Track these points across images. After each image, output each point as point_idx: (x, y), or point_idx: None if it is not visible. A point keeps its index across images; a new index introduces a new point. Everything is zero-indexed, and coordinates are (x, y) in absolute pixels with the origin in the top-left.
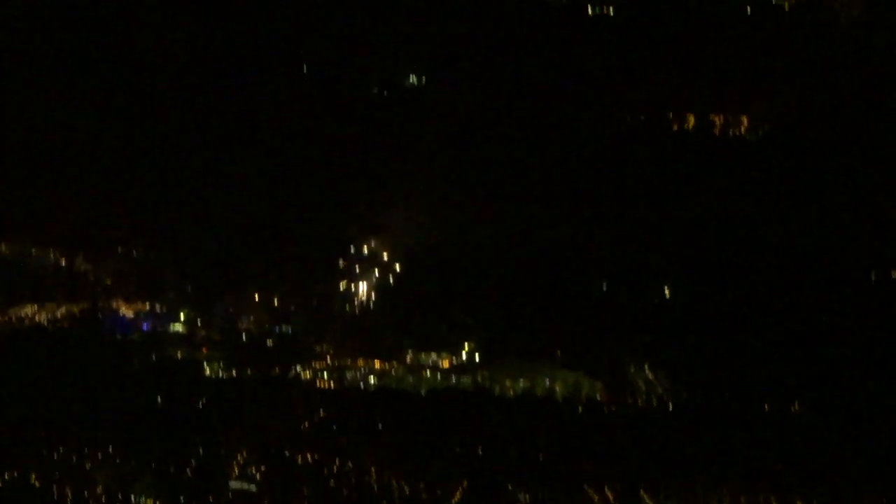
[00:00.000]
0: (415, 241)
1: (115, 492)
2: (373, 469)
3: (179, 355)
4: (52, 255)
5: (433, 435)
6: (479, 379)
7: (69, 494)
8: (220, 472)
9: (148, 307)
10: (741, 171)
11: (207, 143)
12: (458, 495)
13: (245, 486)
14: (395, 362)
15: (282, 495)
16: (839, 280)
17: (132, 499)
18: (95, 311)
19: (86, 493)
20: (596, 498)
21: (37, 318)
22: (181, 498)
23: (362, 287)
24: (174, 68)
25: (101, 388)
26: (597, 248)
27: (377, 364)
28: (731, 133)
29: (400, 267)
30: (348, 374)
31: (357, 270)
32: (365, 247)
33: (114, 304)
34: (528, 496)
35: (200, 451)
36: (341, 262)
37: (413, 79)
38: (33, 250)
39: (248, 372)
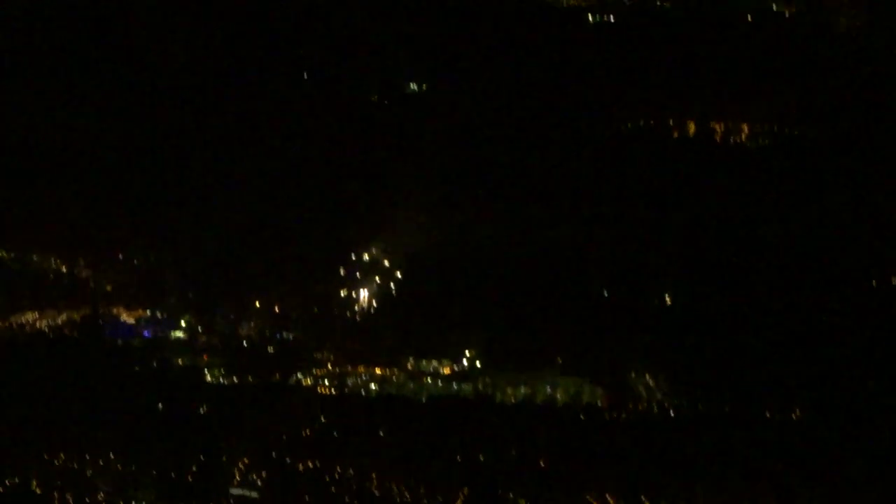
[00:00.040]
0: (416, 248)
1: (115, 498)
2: (374, 475)
3: (181, 361)
4: (53, 262)
5: (434, 441)
6: (480, 386)
7: (70, 500)
8: (222, 478)
9: (149, 313)
10: (742, 176)
11: (209, 150)
12: (459, 501)
13: (246, 492)
14: (395, 369)
15: (283, 501)
16: (840, 284)
17: None
18: (97, 317)
19: (87, 499)
20: None
21: (38, 324)
22: None
23: (363, 294)
24: (177, 76)
25: (102, 395)
26: (598, 255)
27: (378, 371)
28: (731, 139)
29: (401, 274)
30: (349, 381)
31: (358, 277)
32: (366, 254)
33: (115, 311)
34: (528, 502)
35: (202, 457)
36: (342, 270)
37: (414, 85)
38: (35, 257)
39: (250, 378)
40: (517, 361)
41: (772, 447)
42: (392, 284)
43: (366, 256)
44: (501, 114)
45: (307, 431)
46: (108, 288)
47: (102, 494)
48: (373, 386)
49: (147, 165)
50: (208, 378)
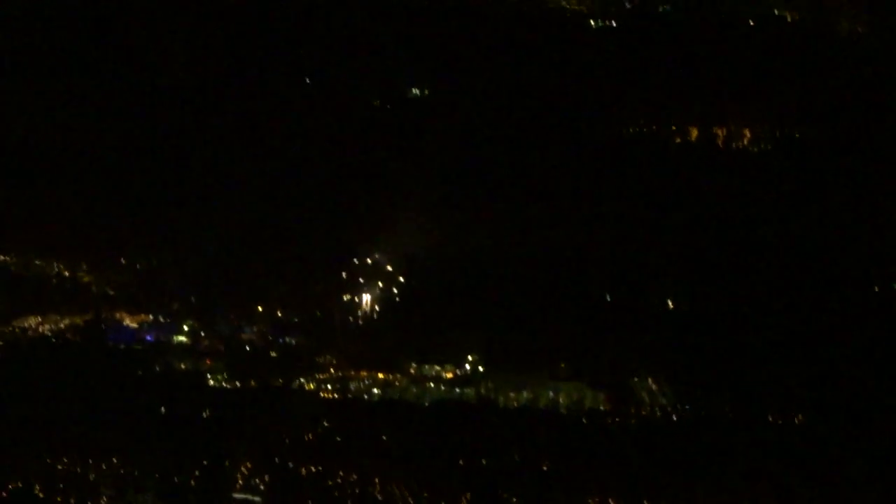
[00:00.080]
0: (418, 252)
1: (118, 502)
2: (376, 479)
3: (183, 366)
4: (55, 266)
5: (437, 446)
6: (483, 390)
7: None
8: (224, 482)
9: (151, 318)
10: (745, 181)
11: (212, 153)
12: None
13: (249, 496)
14: (398, 373)
15: None
16: (844, 288)
17: None
18: (99, 321)
19: (89, 502)
20: None
21: (40, 328)
22: None
23: (365, 298)
24: (179, 79)
25: (104, 399)
26: (600, 259)
27: (380, 375)
28: (734, 144)
29: (403, 278)
30: (352, 385)
31: (360, 282)
32: (368, 258)
33: (117, 315)
34: None
35: (204, 461)
36: (344, 274)
37: (416, 89)
38: (37, 261)
39: (252, 382)
40: (519, 366)
41: (775, 451)
42: (394, 289)
43: (368, 261)
44: (504, 118)
45: (310, 436)
46: (111, 292)
47: (105, 498)
48: (375, 390)
49: (149, 169)
50: (211, 382)
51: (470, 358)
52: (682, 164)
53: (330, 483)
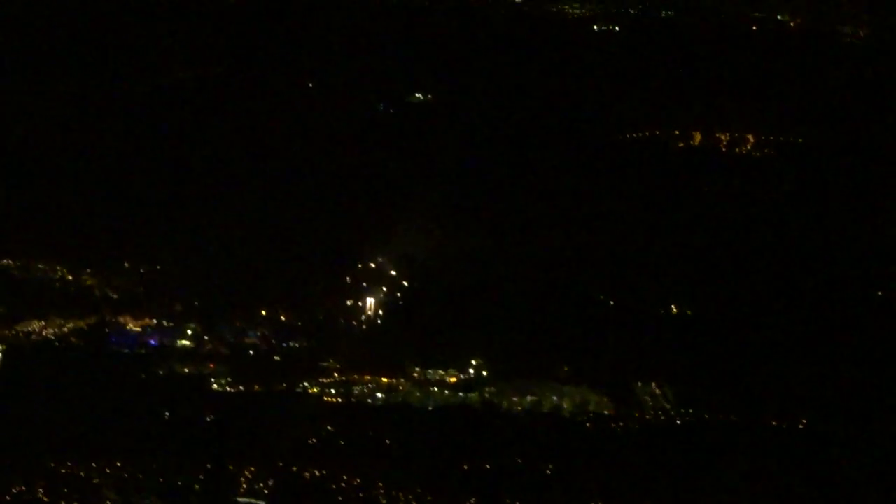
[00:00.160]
0: (422, 257)
1: None
2: (380, 484)
3: (187, 370)
4: (58, 270)
5: (440, 450)
6: (486, 394)
7: None
8: (228, 487)
9: (155, 322)
10: (748, 186)
11: (214, 157)
12: None
13: (253, 501)
14: (402, 378)
15: None
16: (848, 293)
17: None
18: (102, 325)
19: None
20: None
21: (43, 332)
22: None
23: (369, 302)
24: (183, 84)
25: (108, 403)
26: (604, 264)
27: (384, 379)
28: (737, 149)
29: (407, 282)
30: (355, 390)
31: (364, 286)
32: (372, 263)
33: (121, 319)
34: None
35: (208, 465)
36: (348, 278)
37: (419, 94)
38: (40, 265)
39: (256, 387)
40: (523, 370)
41: (778, 455)
42: (398, 293)
43: (371, 265)
44: (507, 122)
45: (313, 440)
46: (114, 296)
47: (108, 502)
48: (379, 394)
49: (152, 172)
50: (214, 386)
51: (474, 362)
52: (686, 169)
53: (333, 487)
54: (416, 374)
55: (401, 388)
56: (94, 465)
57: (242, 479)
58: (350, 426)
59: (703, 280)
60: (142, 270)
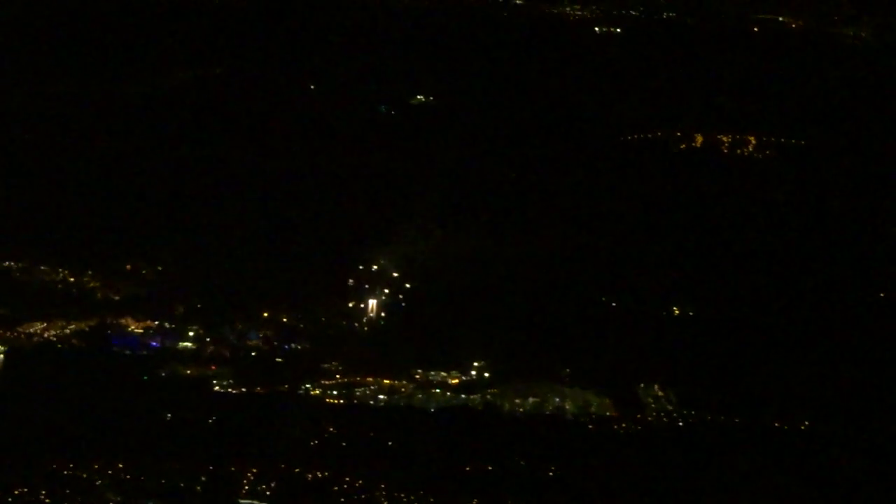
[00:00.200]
0: (424, 258)
1: None
2: (383, 486)
3: (189, 372)
4: (59, 272)
5: (443, 452)
6: (488, 396)
7: None
8: (230, 489)
9: (157, 324)
10: (750, 188)
11: (216, 159)
12: None
13: (255, 503)
14: (404, 379)
15: None
16: (850, 295)
17: None
18: (104, 327)
19: None
20: None
21: (46, 334)
22: None
23: (371, 304)
24: (185, 87)
25: (110, 404)
26: (606, 265)
27: (386, 381)
28: (739, 151)
29: (409, 284)
30: (357, 391)
31: (366, 288)
32: (374, 264)
33: (123, 321)
34: None
35: (210, 468)
36: (350, 280)
37: (421, 96)
38: (42, 267)
39: (258, 389)
40: (525, 372)
41: (781, 457)
42: (400, 294)
43: (374, 266)
44: (509, 124)
45: (315, 441)
46: (116, 298)
47: None
48: (381, 396)
49: (154, 175)
50: (216, 388)
51: (476, 364)
52: (687, 170)
53: (335, 489)
54: (418, 376)
55: (403, 389)
56: (95, 466)
57: (244, 481)
58: (352, 428)
59: (705, 281)
60: (143, 272)
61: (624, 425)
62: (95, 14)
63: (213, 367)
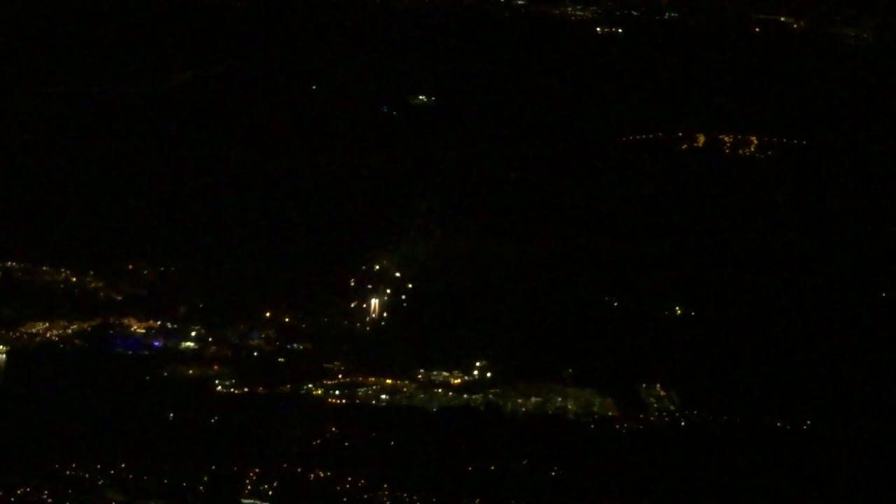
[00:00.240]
0: (426, 258)
1: None
2: (385, 486)
3: (191, 372)
4: (62, 272)
5: (445, 452)
6: (491, 396)
7: None
8: (233, 489)
9: (159, 324)
10: (751, 188)
11: (219, 160)
12: None
13: (257, 502)
14: (406, 379)
15: None
16: (852, 296)
17: None
18: (106, 327)
19: None
20: None
21: (48, 334)
22: None
23: (373, 305)
24: (187, 87)
25: (112, 405)
26: (608, 265)
27: (388, 381)
28: (740, 151)
29: (411, 284)
30: (359, 391)
31: (368, 288)
32: (376, 264)
33: (125, 321)
34: None
35: (212, 467)
36: (352, 280)
37: (423, 97)
38: (44, 267)
39: (260, 389)
40: (528, 372)
41: (782, 456)
42: (402, 295)
43: (376, 267)
44: (510, 125)
45: (317, 441)
46: (118, 298)
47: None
48: (383, 396)
49: (156, 175)
50: (218, 388)
51: (478, 364)
52: (689, 171)
53: (338, 488)
54: (420, 376)
55: (405, 389)
56: (97, 466)
57: (247, 481)
58: (354, 427)
59: (707, 281)
60: (145, 272)
61: (626, 425)
62: (95, 14)
63: (216, 367)
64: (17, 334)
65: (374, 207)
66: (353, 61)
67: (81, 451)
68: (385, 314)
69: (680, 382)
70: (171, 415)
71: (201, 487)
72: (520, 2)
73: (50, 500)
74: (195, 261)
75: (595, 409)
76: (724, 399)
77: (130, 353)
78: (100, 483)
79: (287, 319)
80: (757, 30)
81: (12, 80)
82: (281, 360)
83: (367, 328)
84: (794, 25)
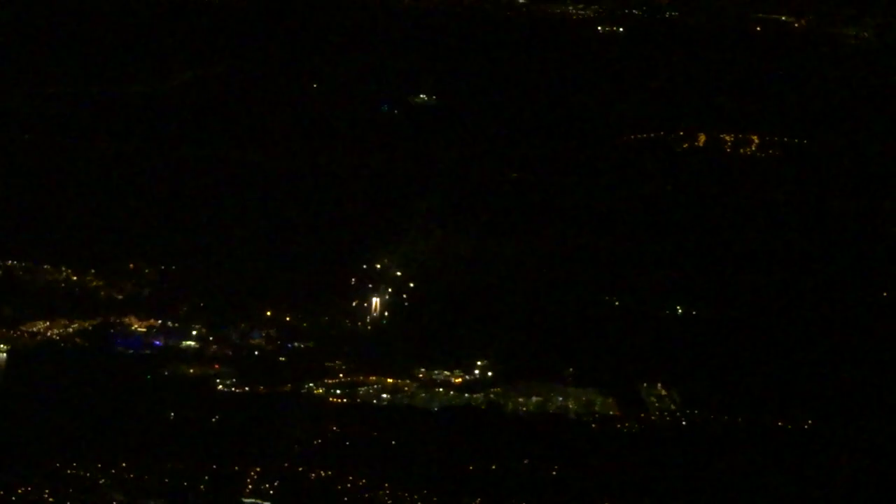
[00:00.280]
0: (427, 257)
1: None
2: (386, 485)
3: (192, 371)
4: (63, 271)
5: (446, 451)
6: (492, 396)
7: None
8: (234, 488)
9: (160, 323)
10: (752, 187)
11: (220, 159)
12: None
13: (258, 501)
14: (407, 378)
15: None
16: (852, 295)
17: None
18: (107, 326)
19: None
20: None
21: (48, 333)
22: None
23: (374, 304)
24: (188, 87)
25: (113, 404)
26: (609, 265)
27: (390, 380)
28: (741, 150)
29: (412, 283)
30: (360, 391)
31: (369, 287)
32: (377, 264)
33: (126, 320)
34: None
35: (213, 467)
36: (354, 279)
37: (424, 96)
38: (45, 266)
39: (261, 388)
40: (529, 371)
41: (783, 456)
42: (403, 294)
43: (377, 266)
44: (511, 124)
45: (319, 440)
46: (119, 297)
47: (114, 503)
48: (384, 395)
49: (156, 175)
50: (219, 387)
51: (479, 363)
52: (690, 170)
53: (339, 488)
54: (421, 375)
55: (406, 388)
56: (98, 465)
57: (248, 480)
58: (355, 427)
59: (707, 281)
60: (146, 272)
61: (627, 424)
62: (95, 14)
63: (217, 367)
64: (18, 333)
65: (375, 207)
66: (353, 61)
67: (82, 450)
68: (386, 313)
69: (681, 382)
70: (172, 414)
71: (202, 487)
72: (520, 1)
73: (51, 500)
74: (196, 260)
75: (596, 408)
76: (725, 399)
77: (131, 352)
78: (101, 482)
79: (288, 319)
80: (757, 29)
81: (12, 80)
82: (282, 359)
83: (368, 327)
84: (795, 25)
